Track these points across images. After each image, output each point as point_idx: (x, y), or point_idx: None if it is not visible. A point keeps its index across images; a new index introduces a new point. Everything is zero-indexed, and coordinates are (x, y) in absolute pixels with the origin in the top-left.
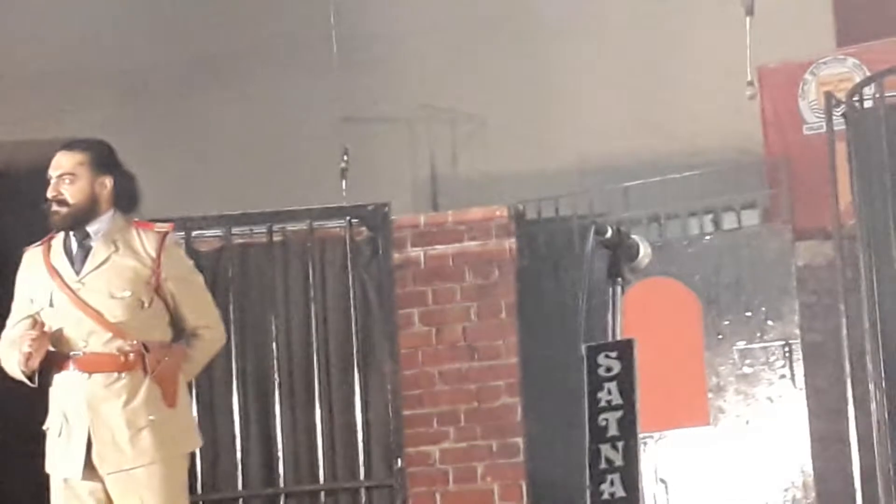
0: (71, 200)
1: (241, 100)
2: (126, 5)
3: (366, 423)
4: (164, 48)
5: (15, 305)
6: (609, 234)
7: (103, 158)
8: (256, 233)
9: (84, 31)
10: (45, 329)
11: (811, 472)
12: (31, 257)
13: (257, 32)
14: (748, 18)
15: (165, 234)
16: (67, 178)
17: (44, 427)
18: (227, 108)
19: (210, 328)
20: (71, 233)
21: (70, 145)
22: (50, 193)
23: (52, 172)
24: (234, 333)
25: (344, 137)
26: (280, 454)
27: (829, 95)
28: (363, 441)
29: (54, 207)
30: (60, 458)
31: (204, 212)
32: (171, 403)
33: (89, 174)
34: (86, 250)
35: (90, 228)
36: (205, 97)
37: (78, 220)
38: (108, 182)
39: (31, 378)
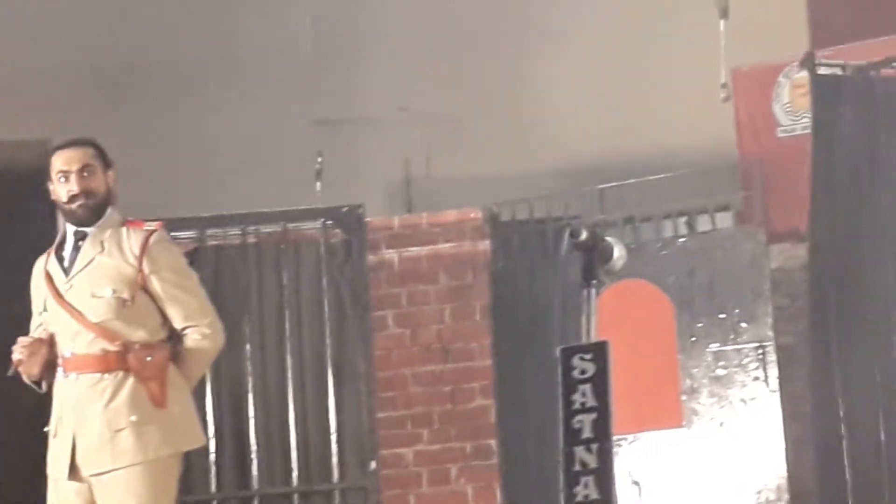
0: (96, 191)
1: (216, 101)
2: (100, 6)
3: (339, 424)
4: (137, 50)
5: (33, 315)
6: (584, 236)
7: (104, 153)
8: (230, 234)
9: (58, 31)
10: (44, 335)
11: (784, 474)
12: (38, 265)
13: (232, 34)
14: (722, 21)
15: (151, 231)
16: (87, 171)
17: (45, 429)
18: (201, 110)
19: (198, 329)
20: (72, 233)
21: (74, 142)
22: (76, 188)
23: (69, 167)
24: None
25: (318, 139)
26: (253, 456)
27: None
28: (337, 443)
29: (81, 201)
30: (51, 459)
31: (178, 213)
32: (159, 403)
33: (101, 167)
34: (78, 252)
35: (91, 228)
36: (180, 99)
37: (99, 213)
38: (113, 175)
39: (38, 384)
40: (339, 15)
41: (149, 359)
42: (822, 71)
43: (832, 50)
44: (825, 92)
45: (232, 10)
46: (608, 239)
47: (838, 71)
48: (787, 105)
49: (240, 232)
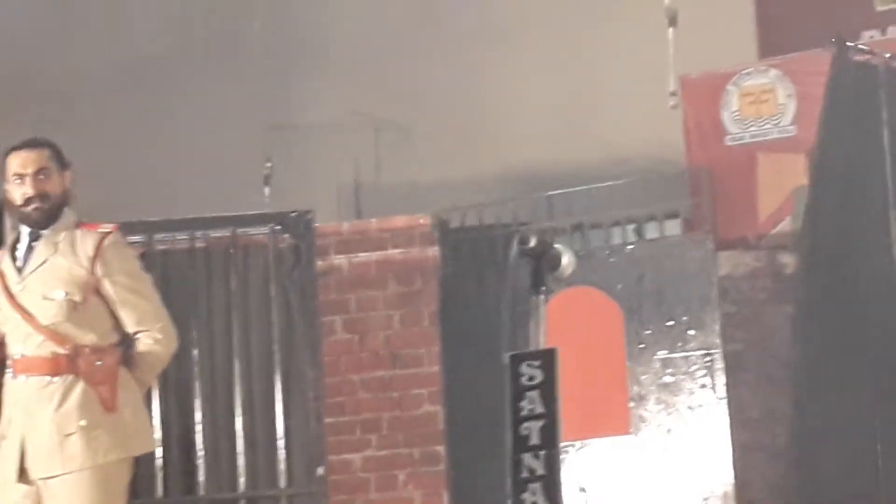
0: (52, 194)
1: (166, 105)
2: (52, 8)
3: (287, 430)
4: (89, 52)
5: None
6: (533, 243)
7: (60, 154)
8: (179, 239)
9: (8, 33)
10: None
11: (732, 481)
12: None
13: (184, 38)
14: (671, 29)
15: (105, 234)
16: (42, 174)
17: None
18: (151, 114)
19: (151, 333)
20: (27, 234)
21: (30, 143)
22: (31, 190)
23: (24, 170)
24: None
25: (268, 144)
26: (200, 461)
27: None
28: (284, 448)
29: (36, 204)
30: (1, 461)
31: (126, 217)
32: (109, 408)
33: (57, 169)
34: (32, 253)
35: (46, 230)
36: (130, 102)
37: (54, 216)
38: (70, 176)
39: None
40: (289, 20)
41: (99, 363)
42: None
43: (779, 59)
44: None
45: (184, 14)
46: (557, 246)
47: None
48: (736, 113)
49: (188, 237)
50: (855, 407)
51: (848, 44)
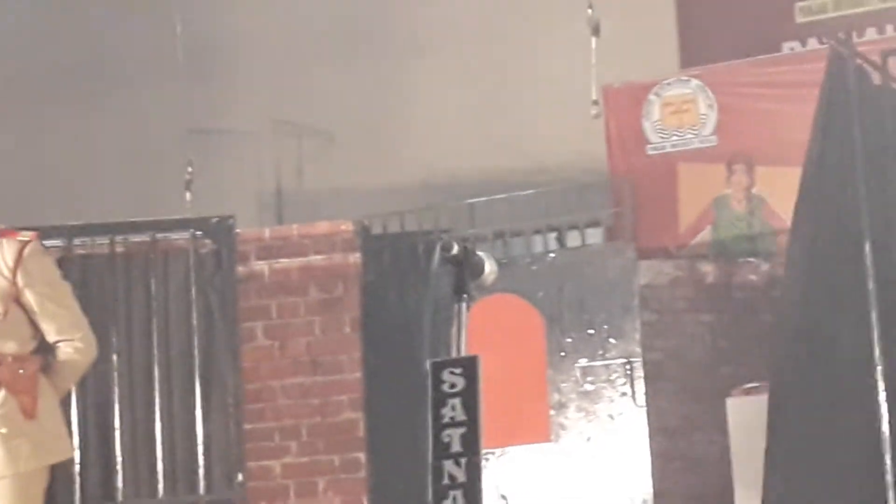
0: None
1: (86, 110)
2: None
3: (207, 436)
4: (6, 58)
5: None
6: (455, 250)
7: None
8: (98, 244)
9: None
10: None
11: (650, 489)
12: None
13: (103, 43)
14: (594, 38)
15: (25, 243)
16: None
17: None
18: (70, 118)
19: (72, 343)
20: None
21: None
22: None
23: None
24: None
25: (189, 149)
26: (119, 467)
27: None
28: (203, 455)
29: None
30: None
31: (45, 222)
32: (30, 415)
33: None
34: None
35: None
36: (49, 107)
37: None
38: None
39: None
40: (211, 25)
41: (21, 371)
42: None
43: (701, 69)
44: None
45: (104, 19)
46: (479, 253)
47: None
48: (657, 123)
49: (108, 241)
50: None
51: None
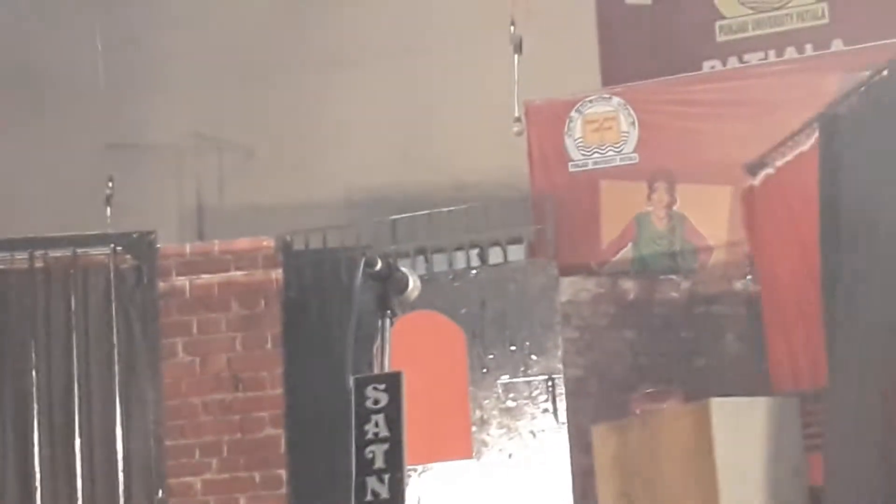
0: None
1: (6, 124)
2: None
3: (127, 453)
4: None
5: None
6: (378, 266)
7: None
8: (17, 259)
9: None
10: None
11: None
12: None
13: (24, 56)
14: (516, 55)
15: None
16: None
17: None
18: None
19: None
20: None
21: None
22: None
23: None
24: None
25: (109, 164)
26: (38, 486)
27: None
28: (124, 472)
29: None
30: None
31: None
32: None
33: None
34: None
35: None
36: None
37: None
38: None
39: None
40: (132, 40)
41: None
42: None
43: (622, 87)
44: None
45: (24, 32)
46: (403, 269)
47: None
48: (579, 140)
49: (27, 256)
50: None
51: None
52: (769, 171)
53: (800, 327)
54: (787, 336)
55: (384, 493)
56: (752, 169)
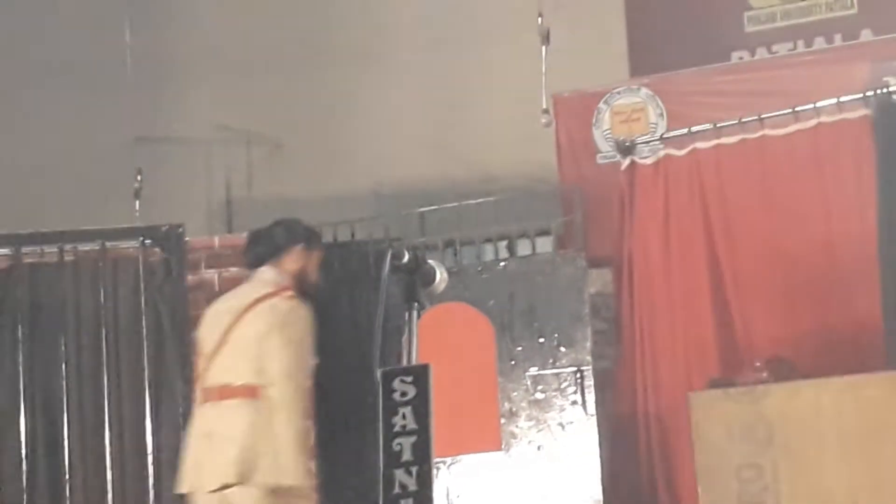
0: None
1: (34, 116)
2: None
3: (157, 446)
4: None
5: None
6: (406, 258)
7: None
8: (47, 252)
9: None
10: None
11: (600, 498)
12: None
13: (51, 49)
14: (543, 47)
15: None
16: None
17: None
18: (18, 126)
19: None
20: None
21: None
22: None
23: None
24: (23, 355)
25: (138, 157)
26: (68, 480)
27: None
28: (153, 465)
29: None
30: None
31: None
32: None
33: None
34: None
35: None
36: None
37: None
38: None
39: None
40: (159, 32)
41: None
42: None
43: (650, 78)
44: None
45: (51, 26)
46: (430, 262)
47: None
48: (607, 132)
49: (57, 250)
50: None
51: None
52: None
53: None
54: None
55: (412, 485)
56: None
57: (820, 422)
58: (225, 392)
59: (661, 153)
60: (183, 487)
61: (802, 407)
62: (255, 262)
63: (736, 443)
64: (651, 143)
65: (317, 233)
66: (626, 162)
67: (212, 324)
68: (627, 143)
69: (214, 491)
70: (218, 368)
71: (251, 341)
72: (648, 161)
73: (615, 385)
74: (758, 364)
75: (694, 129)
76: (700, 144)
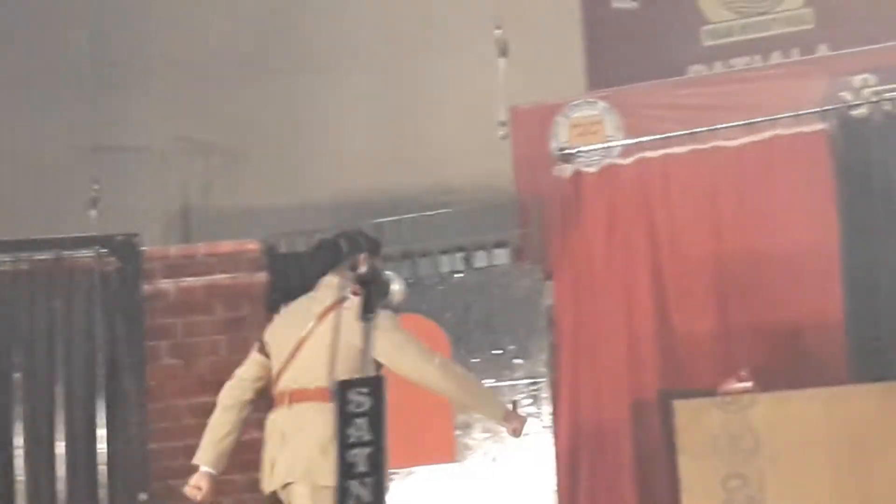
0: None
1: None
2: None
3: (110, 455)
4: None
5: None
6: (363, 270)
7: None
8: (2, 261)
9: None
10: None
11: None
12: None
13: (7, 57)
14: (502, 59)
15: None
16: None
17: None
18: None
19: None
20: None
21: None
22: None
23: None
24: None
25: (94, 166)
26: (20, 486)
27: None
28: (107, 475)
29: None
30: None
31: None
32: None
33: None
34: None
35: None
36: None
37: None
38: None
39: None
40: (117, 41)
41: None
42: None
43: (608, 91)
44: None
45: (8, 32)
46: (387, 273)
47: None
48: (565, 144)
49: (11, 259)
50: None
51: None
52: None
53: None
54: None
55: (367, 496)
56: None
57: (806, 432)
58: (299, 395)
59: (606, 162)
60: (265, 487)
61: (789, 416)
62: (321, 271)
63: (722, 452)
64: (599, 152)
65: (377, 241)
66: (570, 170)
67: (283, 330)
68: (566, 152)
69: (280, 489)
70: (292, 373)
71: (325, 347)
72: (592, 170)
73: (558, 396)
74: (743, 373)
75: (643, 139)
76: (648, 154)
